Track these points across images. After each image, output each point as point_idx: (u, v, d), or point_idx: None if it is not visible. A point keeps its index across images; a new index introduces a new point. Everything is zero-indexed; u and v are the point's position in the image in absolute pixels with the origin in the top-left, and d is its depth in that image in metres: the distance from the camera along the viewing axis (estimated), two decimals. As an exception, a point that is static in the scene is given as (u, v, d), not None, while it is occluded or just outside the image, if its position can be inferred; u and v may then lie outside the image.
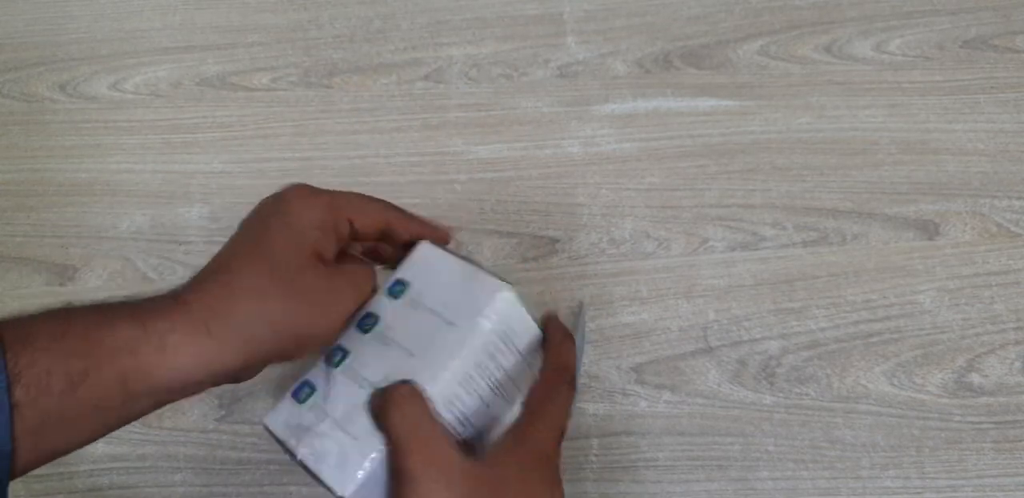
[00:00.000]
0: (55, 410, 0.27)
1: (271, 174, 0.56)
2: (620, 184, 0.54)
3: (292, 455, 0.33)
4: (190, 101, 0.60)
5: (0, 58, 0.63)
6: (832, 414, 0.46)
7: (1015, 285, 0.50)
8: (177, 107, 0.59)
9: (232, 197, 0.55)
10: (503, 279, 0.35)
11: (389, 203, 0.37)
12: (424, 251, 0.37)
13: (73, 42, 0.63)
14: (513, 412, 0.38)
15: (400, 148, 0.57)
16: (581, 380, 0.48)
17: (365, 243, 0.37)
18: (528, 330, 0.37)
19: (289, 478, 0.46)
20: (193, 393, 0.31)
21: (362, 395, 0.33)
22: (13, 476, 0.28)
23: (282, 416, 0.34)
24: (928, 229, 0.52)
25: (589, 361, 0.48)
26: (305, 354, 0.33)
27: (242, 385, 0.34)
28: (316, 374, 0.35)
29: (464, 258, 0.36)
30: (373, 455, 0.32)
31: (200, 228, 0.54)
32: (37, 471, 0.29)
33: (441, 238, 0.37)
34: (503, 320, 0.34)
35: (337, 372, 0.34)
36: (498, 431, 0.37)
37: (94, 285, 0.52)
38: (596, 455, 0.46)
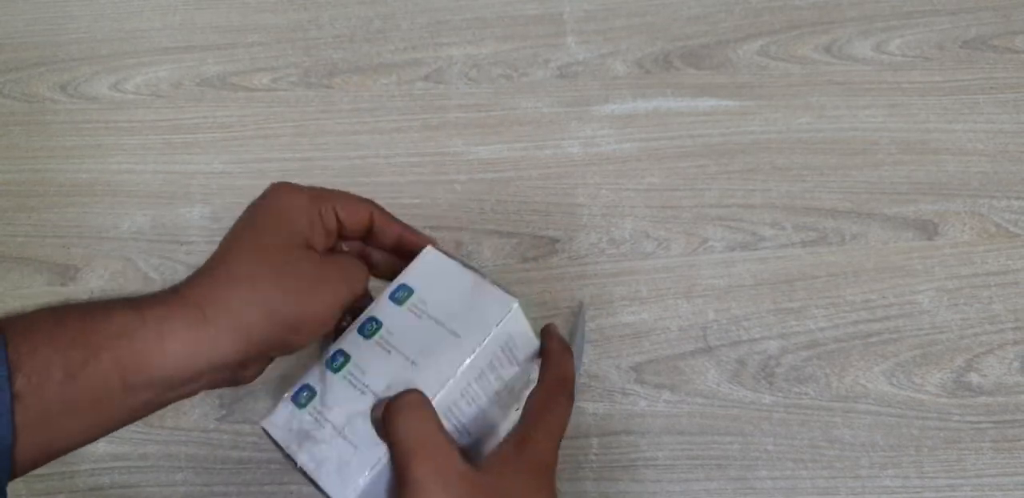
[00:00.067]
0: (55, 401, 0.28)
1: (272, 174, 0.56)
2: (620, 184, 0.54)
3: (291, 460, 0.33)
4: (190, 101, 0.60)
5: (1, 58, 0.63)
6: (831, 414, 0.47)
7: (1014, 285, 0.50)
8: (178, 107, 0.60)
9: (233, 197, 0.55)
10: (509, 291, 0.35)
11: (374, 202, 0.37)
12: (429, 257, 0.37)
13: (73, 42, 0.63)
14: (509, 421, 0.38)
15: (400, 148, 0.57)
16: (581, 380, 0.48)
17: (351, 243, 0.38)
18: (529, 341, 0.37)
19: (290, 477, 0.46)
20: (192, 390, 0.31)
21: (363, 402, 0.33)
22: (14, 474, 0.28)
23: (281, 420, 0.34)
24: (927, 229, 0.52)
25: (589, 361, 0.48)
26: (301, 343, 0.33)
27: (243, 385, 0.35)
28: (315, 378, 0.35)
29: (469, 266, 0.36)
30: (374, 464, 0.32)
31: (201, 228, 0.54)
32: (38, 470, 0.29)
33: (424, 245, 0.37)
34: (508, 333, 0.35)
35: (337, 377, 0.34)
36: (494, 439, 0.37)
37: (95, 285, 0.53)
38: (596, 454, 0.46)
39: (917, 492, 0.44)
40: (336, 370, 0.34)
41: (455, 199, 0.54)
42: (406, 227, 0.37)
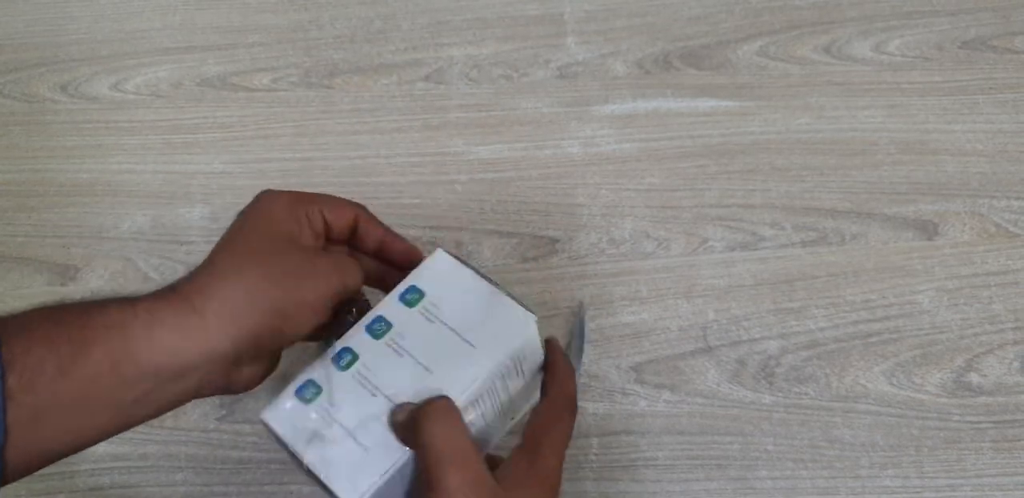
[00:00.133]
0: (47, 397, 0.28)
1: (272, 174, 0.56)
2: (620, 184, 0.54)
3: (294, 456, 0.33)
4: (191, 101, 0.60)
5: (1, 59, 0.63)
6: (831, 414, 0.47)
7: (1013, 285, 0.50)
8: (178, 107, 0.60)
9: (233, 197, 0.55)
10: (527, 307, 0.35)
11: (362, 205, 0.38)
12: (440, 260, 0.36)
13: (74, 43, 0.63)
14: (503, 430, 0.38)
15: (401, 148, 0.57)
16: (581, 380, 0.48)
17: (339, 248, 0.38)
18: (536, 355, 0.37)
19: (290, 477, 0.46)
20: (185, 390, 0.31)
21: (375, 404, 0.33)
22: (5, 478, 0.28)
23: (284, 414, 0.33)
24: (927, 229, 0.52)
25: (589, 361, 0.48)
26: (292, 331, 0.32)
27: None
28: (320, 374, 0.34)
29: (482, 274, 0.36)
30: (387, 469, 0.32)
31: (201, 228, 0.54)
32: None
33: (407, 252, 0.38)
34: (522, 349, 0.35)
35: (345, 375, 0.34)
36: (487, 448, 0.38)
37: (95, 285, 0.53)
38: (596, 454, 0.46)
39: (917, 492, 0.44)
40: (344, 368, 0.34)
41: (455, 199, 0.54)
42: (389, 231, 0.38)
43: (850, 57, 0.59)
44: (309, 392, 0.34)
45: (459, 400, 0.32)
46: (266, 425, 0.34)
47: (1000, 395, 0.47)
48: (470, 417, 0.34)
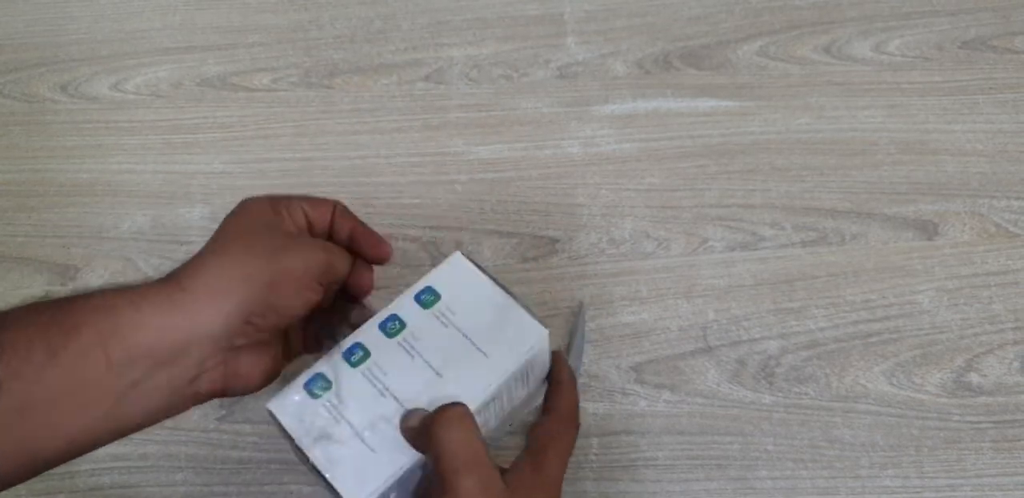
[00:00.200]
0: (37, 384, 0.27)
1: (272, 174, 0.56)
2: (620, 184, 0.54)
3: (300, 451, 0.33)
4: (191, 101, 0.60)
5: (1, 59, 0.63)
6: (831, 414, 0.47)
7: (1013, 285, 0.50)
8: (178, 107, 0.60)
9: (233, 197, 0.54)
10: (540, 320, 0.35)
11: (339, 201, 0.38)
12: (457, 263, 0.37)
13: (74, 43, 0.63)
14: (500, 436, 0.39)
15: (401, 148, 0.57)
16: (581, 380, 0.48)
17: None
18: (543, 366, 0.37)
19: (290, 477, 0.46)
20: (181, 382, 0.31)
21: (384, 405, 0.33)
22: None
23: (292, 407, 0.33)
24: (927, 229, 0.52)
25: (589, 361, 0.48)
26: (282, 304, 0.32)
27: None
28: (329, 368, 0.34)
29: (497, 281, 0.36)
30: (394, 472, 0.32)
31: (201, 228, 0.54)
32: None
33: (375, 245, 0.38)
34: (531, 361, 0.35)
35: (355, 372, 0.34)
36: None
37: (95, 285, 0.52)
38: (596, 454, 0.46)
39: (917, 492, 0.44)
40: (354, 364, 0.34)
41: (455, 199, 0.54)
42: (361, 223, 0.38)
43: (850, 57, 0.59)
44: (318, 386, 0.34)
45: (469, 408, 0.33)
46: (272, 415, 0.33)
47: (1000, 395, 0.47)
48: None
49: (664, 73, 0.59)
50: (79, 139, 0.59)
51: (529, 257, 0.52)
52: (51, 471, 0.46)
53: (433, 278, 0.36)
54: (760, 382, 0.48)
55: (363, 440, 0.32)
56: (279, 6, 0.64)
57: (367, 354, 0.34)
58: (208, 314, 0.30)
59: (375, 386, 0.33)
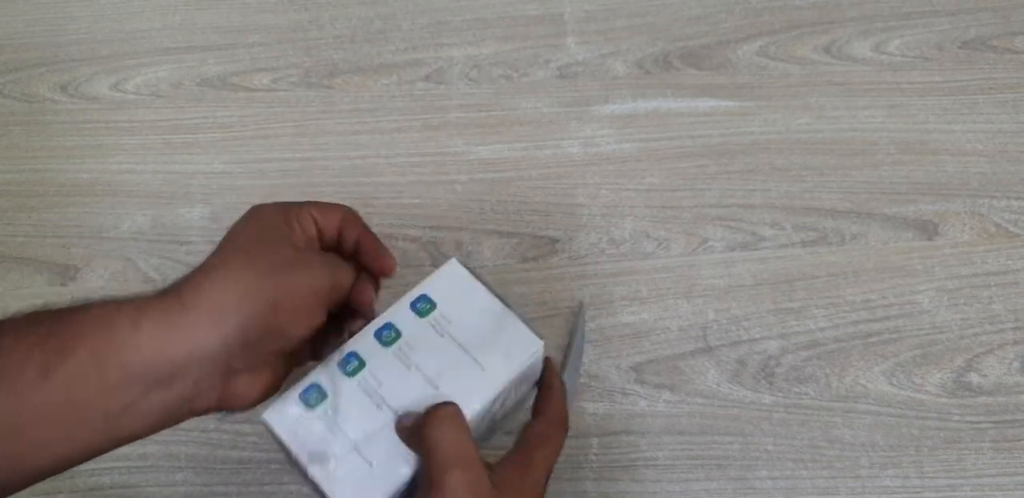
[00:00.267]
0: (28, 401, 0.27)
1: (272, 174, 0.56)
2: (620, 184, 0.54)
3: (292, 459, 0.33)
4: (191, 101, 0.60)
5: (1, 59, 0.63)
6: (831, 414, 0.47)
7: (1013, 285, 0.50)
8: (178, 107, 0.60)
9: (233, 197, 0.55)
10: (535, 331, 0.35)
11: (350, 208, 0.37)
12: (453, 271, 0.36)
13: (74, 43, 0.63)
14: (487, 436, 0.39)
15: (401, 148, 0.57)
16: (581, 380, 0.48)
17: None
18: (535, 374, 0.37)
19: (290, 477, 0.46)
20: (177, 401, 0.30)
21: (380, 417, 0.33)
22: None
23: (288, 418, 0.33)
24: (927, 229, 0.52)
25: (589, 361, 0.48)
26: (283, 326, 0.31)
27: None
28: (325, 378, 0.34)
29: (491, 289, 0.36)
30: (391, 486, 0.32)
31: (201, 228, 0.54)
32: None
33: (376, 254, 0.37)
34: (525, 372, 0.35)
35: (351, 382, 0.34)
36: None
37: (95, 285, 0.53)
38: (596, 454, 0.46)
39: (917, 492, 0.44)
40: (350, 374, 0.34)
41: (455, 199, 0.54)
42: (367, 232, 0.37)
43: (850, 57, 0.59)
44: (313, 397, 0.33)
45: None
46: (267, 426, 0.33)
47: (1000, 395, 0.47)
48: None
49: (664, 73, 0.59)
50: (79, 139, 0.59)
51: (529, 257, 0.52)
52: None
53: (428, 286, 0.36)
54: (760, 382, 0.48)
55: (360, 454, 0.32)
56: (279, 6, 0.64)
57: (362, 364, 0.34)
58: (206, 333, 0.29)
59: (371, 397, 0.33)
